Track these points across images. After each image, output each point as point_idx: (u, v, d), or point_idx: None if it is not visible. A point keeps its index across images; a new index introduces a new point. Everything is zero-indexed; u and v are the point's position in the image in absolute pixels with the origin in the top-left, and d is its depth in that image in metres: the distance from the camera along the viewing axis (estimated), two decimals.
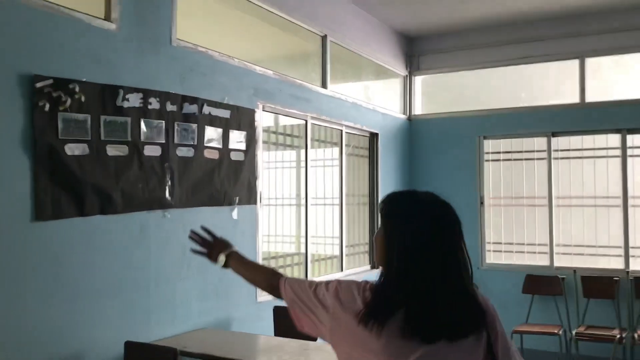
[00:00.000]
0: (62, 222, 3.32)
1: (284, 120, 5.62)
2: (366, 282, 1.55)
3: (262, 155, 5.07)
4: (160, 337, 3.92)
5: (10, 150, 3.07)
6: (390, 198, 1.57)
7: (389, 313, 1.40)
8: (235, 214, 4.68)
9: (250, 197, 4.86)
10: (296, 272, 5.73)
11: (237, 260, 2.04)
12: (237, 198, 4.70)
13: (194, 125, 4.27)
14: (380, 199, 6.91)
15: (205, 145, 4.38)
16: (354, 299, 1.50)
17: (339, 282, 1.61)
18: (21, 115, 3.12)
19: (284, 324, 4.61)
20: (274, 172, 5.55)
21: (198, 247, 2.12)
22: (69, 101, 3.33)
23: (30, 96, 3.16)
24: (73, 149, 3.37)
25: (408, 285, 1.41)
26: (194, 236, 2.14)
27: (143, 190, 3.84)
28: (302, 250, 5.74)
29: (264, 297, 4.97)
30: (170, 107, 4.06)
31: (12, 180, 3.08)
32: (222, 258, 2.05)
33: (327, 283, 1.62)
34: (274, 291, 1.81)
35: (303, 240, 5.74)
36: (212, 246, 2.11)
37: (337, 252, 6.44)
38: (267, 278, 1.89)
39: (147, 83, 3.89)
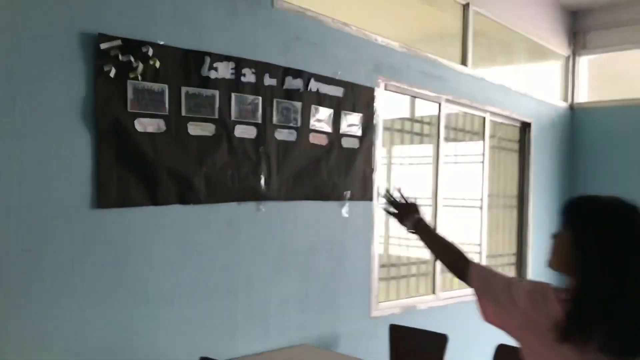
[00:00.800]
0: (129, 211, 2.80)
1: (412, 104, 4.75)
2: (546, 284, 1.56)
3: (381, 144, 4.26)
4: (248, 354, 3.30)
5: (68, 123, 2.60)
6: (580, 203, 1.56)
7: (593, 329, 1.40)
8: (345, 210, 3.93)
9: (364, 191, 4.08)
10: (422, 285, 4.85)
11: (425, 228, 1.96)
12: (349, 192, 3.94)
13: (298, 104, 3.59)
14: (529, 201, 5.77)
15: (311, 128, 3.69)
16: (546, 302, 1.50)
17: (527, 281, 1.66)
18: (82, 82, 2.64)
19: (403, 347, 3.78)
20: (398, 166, 4.72)
21: (390, 208, 2.07)
22: (140, 67, 2.80)
23: (93, 60, 2.66)
24: (145, 125, 2.84)
25: (614, 302, 1.40)
26: (387, 195, 2.09)
27: (233, 177, 3.24)
28: (431, 257, 4.84)
29: (379, 311, 4.17)
30: (268, 81, 3.41)
31: (70, 159, 2.61)
32: (416, 217, 1.95)
33: (518, 280, 1.64)
34: (460, 273, 1.77)
35: None
36: (404, 208, 2.02)
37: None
38: (456, 258, 1.81)
39: (240, 50, 3.27)
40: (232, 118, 3.23)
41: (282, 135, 3.51)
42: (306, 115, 3.64)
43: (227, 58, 3.20)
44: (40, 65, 2.51)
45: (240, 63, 3.26)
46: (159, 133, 2.90)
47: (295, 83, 3.57)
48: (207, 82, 3.10)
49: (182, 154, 3.00)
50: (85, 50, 2.64)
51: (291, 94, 3.55)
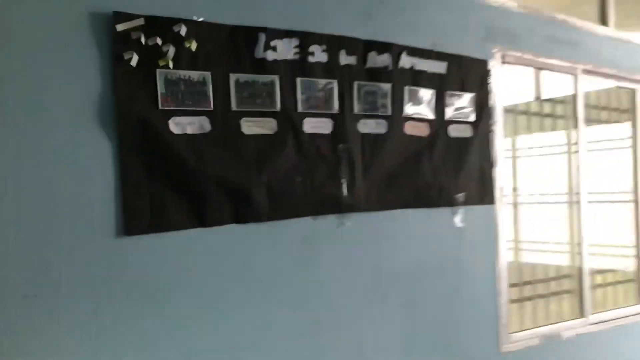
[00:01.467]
0: (167, 238, 2.18)
1: (537, 79, 3.76)
2: None
3: (502, 131, 3.34)
4: None
5: (81, 129, 2.03)
6: None
7: None
8: (459, 219, 3.07)
9: (483, 193, 3.19)
10: (567, 306, 3.82)
11: None
12: (462, 195, 3.08)
13: (386, 86, 2.80)
14: None
15: (407, 115, 2.88)
16: None
17: None
18: (96, 75, 2.06)
19: None
20: (526, 159, 3.75)
21: None
22: (172, 52, 2.18)
23: (108, 46, 2.07)
24: (183, 125, 2.21)
25: None
26: None
27: (304, 185, 2.53)
28: (576, 262, 3.82)
29: (511, 344, 3.27)
30: (345, 59, 2.67)
31: (86, 175, 2.04)
32: None
33: None
34: None
35: (576, 250, 3.82)
36: None
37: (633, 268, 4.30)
38: None
39: (305, 23, 2.56)
40: (299, 110, 2.52)
41: (367, 127, 2.74)
42: (398, 100, 2.84)
43: (289, 33, 2.50)
44: (40, 56, 1.96)
45: (305, 39, 2.54)
46: (202, 134, 2.25)
47: (382, 60, 2.78)
48: (262, 66, 2.42)
49: (235, 160, 2.33)
50: (98, 34, 2.06)
51: (376, 74, 2.77)
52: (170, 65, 2.18)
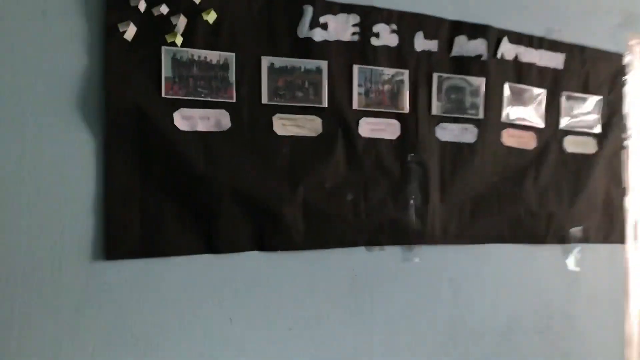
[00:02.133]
0: (164, 264, 1.67)
1: None
2: None
3: None
4: None
5: (58, 121, 1.58)
6: None
7: None
8: (573, 260, 2.30)
9: (609, 228, 2.40)
10: None
11: None
12: (579, 230, 2.31)
13: (478, 81, 2.13)
14: None
15: (506, 121, 2.20)
16: None
17: None
18: (81, 50, 1.61)
19: None
20: None
21: None
22: (182, 24, 1.68)
23: (99, 13, 1.61)
24: (193, 120, 1.71)
25: None
26: None
27: (356, 206, 1.93)
28: None
29: None
30: (423, 44, 2.04)
31: (55, 177, 1.58)
32: None
33: None
34: None
35: None
36: None
37: None
38: None
39: None
40: (355, 107, 1.93)
41: (449, 133, 2.09)
42: (495, 100, 2.16)
43: (346, 7, 1.92)
44: (8, 26, 1.54)
45: (369, 15, 1.95)
46: (219, 133, 1.73)
47: (473, 46, 2.12)
48: (307, 48, 1.86)
49: (262, 167, 1.78)
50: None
51: (465, 65, 2.11)
52: (179, 41, 1.68)
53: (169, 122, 1.67)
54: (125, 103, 1.62)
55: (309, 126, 1.86)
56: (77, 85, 1.59)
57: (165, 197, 1.67)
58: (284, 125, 1.82)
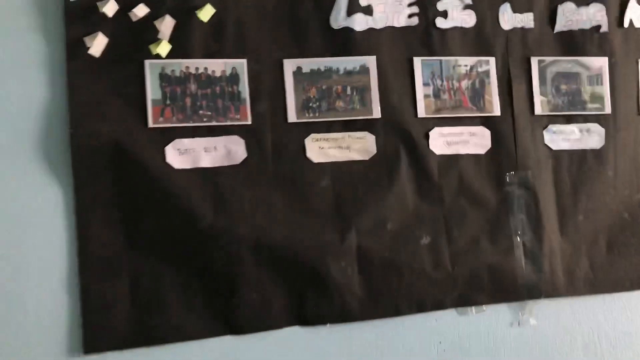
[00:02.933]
0: (163, 354, 1.21)
1: None
2: None
3: None
4: None
5: (13, 165, 1.19)
6: None
7: None
8: None
9: None
10: None
11: None
12: None
13: (597, 62, 1.51)
14: None
15: None
16: None
17: None
18: (40, 75, 1.22)
19: None
20: None
21: None
22: (168, 27, 1.25)
23: (59, 28, 1.23)
24: (194, 154, 1.26)
25: None
26: None
27: (436, 251, 1.36)
28: None
29: None
30: (511, 20, 1.47)
31: (22, 250, 1.19)
32: None
33: None
34: None
35: None
36: None
37: None
38: None
39: None
40: (420, 113, 1.39)
41: (563, 138, 1.48)
42: (627, 85, 1.52)
43: None
44: None
45: None
46: (231, 168, 1.27)
47: (586, 15, 1.51)
48: (347, 42, 1.36)
49: (297, 210, 1.29)
50: (45, 9, 1.23)
51: (578, 42, 1.51)
52: (165, 51, 1.24)
53: (159, 160, 1.23)
54: (97, 140, 1.21)
55: (358, 147, 1.34)
56: (38, 121, 1.21)
57: (162, 263, 1.22)
58: (321, 149, 1.32)
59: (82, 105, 1.20)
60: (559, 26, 1.50)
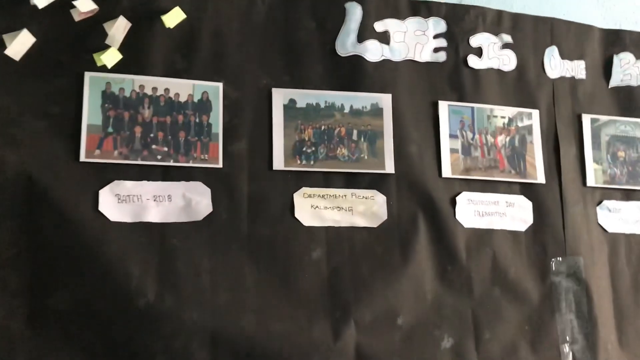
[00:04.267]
0: None
1: None
2: None
3: None
4: None
5: None
6: None
7: None
8: None
9: None
10: None
11: None
12: None
13: None
14: None
15: None
16: None
17: None
18: None
19: None
20: None
21: None
22: (119, 31, 0.92)
23: None
24: (139, 203, 0.90)
25: None
26: None
27: (459, 355, 1.00)
28: None
29: None
30: (559, 66, 1.18)
31: None
32: None
33: None
34: None
35: None
36: None
37: None
38: None
39: None
40: (447, 174, 1.06)
41: (621, 218, 1.16)
42: None
43: (421, 6, 1.11)
44: None
45: (461, 19, 1.13)
46: (188, 226, 0.91)
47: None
48: (357, 74, 1.05)
49: (278, 293, 0.93)
50: None
51: (638, 101, 1.22)
52: (112, 61, 0.91)
53: (88, 208, 0.87)
54: (1, 172, 0.85)
55: (363, 209, 1.00)
56: None
57: (76, 353, 0.84)
58: (315, 209, 0.98)
59: None
60: (615, 80, 1.21)
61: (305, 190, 0.98)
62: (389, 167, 1.02)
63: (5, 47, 0.87)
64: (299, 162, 0.99)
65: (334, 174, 1.00)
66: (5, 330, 0.83)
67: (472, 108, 1.10)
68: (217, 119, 0.96)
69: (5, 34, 0.89)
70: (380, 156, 1.02)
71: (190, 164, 0.94)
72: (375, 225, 1.00)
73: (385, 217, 1.00)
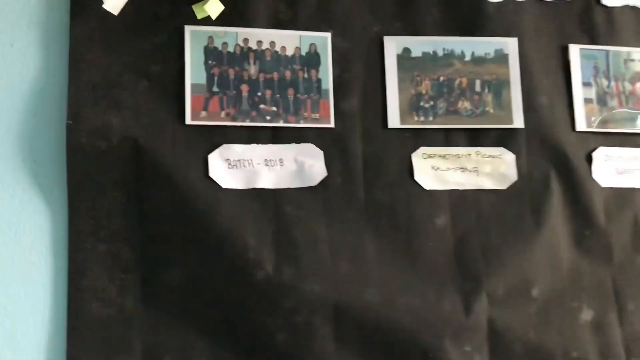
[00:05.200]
0: None
1: None
2: None
3: None
4: None
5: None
6: None
7: None
8: None
9: None
10: None
11: None
12: None
13: None
14: None
15: None
16: None
17: None
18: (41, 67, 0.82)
19: None
20: None
21: None
22: None
23: None
24: (249, 168, 0.83)
25: None
26: None
27: (584, 351, 0.89)
28: None
29: None
30: None
31: None
32: None
33: None
34: None
35: None
36: None
37: None
38: None
39: None
40: (582, 127, 0.94)
41: None
42: None
43: None
44: None
45: None
46: (303, 192, 0.84)
47: None
48: (475, 15, 0.93)
49: (396, 260, 0.85)
50: None
51: None
52: (215, 12, 0.83)
53: (198, 174, 0.81)
54: (106, 138, 0.80)
55: (490, 170, 0.90)
56: (22, 109, 0.81)
57: (192, 332, 0.79)
58: (436, 171, 0.88)
59: (87, 87, 0.80)
60: None
61: (425, 150, 0.89)
62: (518, 122, 0.91)
63: (102, 2, 0.80)
64: (416, 118, 0.89)
65: (456, 130, 0.90)
66: (120, 308, 0.78)
67: (607, 52, 0.97)
68: (326, 74, 0.87)
69: None
70: (507, 109, 0.91)
71: (301, 124, 0.85)
72: (504, 187, 0.90)
73: (515, 177, 0.90)
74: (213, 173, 0.81)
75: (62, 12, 0.82)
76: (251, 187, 0.82)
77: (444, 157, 0.89)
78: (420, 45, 0.91)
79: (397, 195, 0.87)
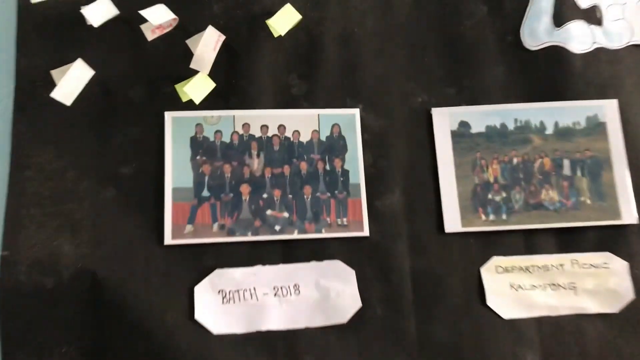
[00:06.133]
0: None
1: None
2: None
3: None
4: None
5: None
6: None
7: None
8: None
9: None
10: None
11: None
12: None
13: None
14: None
15: None
16: None
17: None
18: None
19: None
20: None
21: None
22: (208, 45, 0.63)
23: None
24: (255, 307, 0.59)
25: None
26: None
27: None
28: None
29: None
30: None
31: None
32: None
33: None
34: None
35: None
36: None
37: None
38: None
39: None
40: None
41: None
42: None
43: None
44: None
45: None
46: (341, 350, 0.59)
47: None
48: (555, 72, 0.69)
49: None
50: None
51: None
52: (199, 94, 0.62)
53: (178, 317, 0.59)
54: (44, 275, 0.59)
55: (593, 285, 0.63)
56: None
57: None
58: (516, 291, 0.63)
59: (31, 202, 0.60)
60: None
61: (499, 261, 0.64)
62: (627, 215, 0.65)
63: (53, 87, 0.61)
64: (483, 217, 0.64)
65: (541, 231, 0.65)
66: None
67: None
68: (355, 163, 0.64)
69: (54, 69, 0.62)
70: (611, 198, 0.65)
71: (323, 234, 0.62)
72: (615, 311, 0.63)
73: (631, 295, 0.63)
74: (200, 314, 0.58)
75: (3, 101, 0.63)
76: (255, 330, 0.59)
77: (526, 270, 0.63)
78: (482, 117, 0.67)
79: (462, 328, 0.61)
